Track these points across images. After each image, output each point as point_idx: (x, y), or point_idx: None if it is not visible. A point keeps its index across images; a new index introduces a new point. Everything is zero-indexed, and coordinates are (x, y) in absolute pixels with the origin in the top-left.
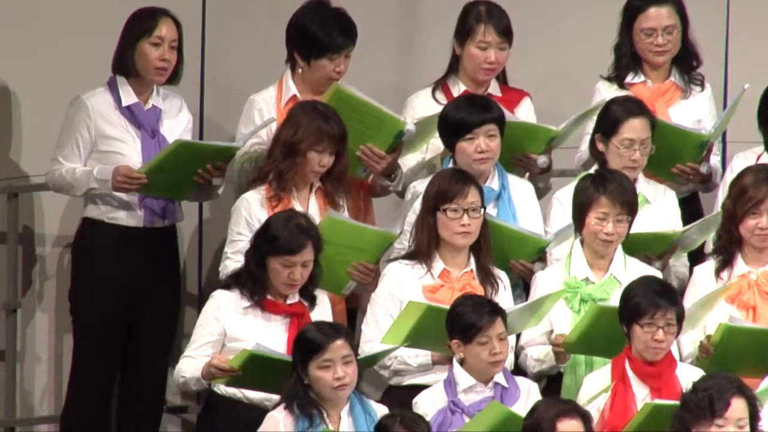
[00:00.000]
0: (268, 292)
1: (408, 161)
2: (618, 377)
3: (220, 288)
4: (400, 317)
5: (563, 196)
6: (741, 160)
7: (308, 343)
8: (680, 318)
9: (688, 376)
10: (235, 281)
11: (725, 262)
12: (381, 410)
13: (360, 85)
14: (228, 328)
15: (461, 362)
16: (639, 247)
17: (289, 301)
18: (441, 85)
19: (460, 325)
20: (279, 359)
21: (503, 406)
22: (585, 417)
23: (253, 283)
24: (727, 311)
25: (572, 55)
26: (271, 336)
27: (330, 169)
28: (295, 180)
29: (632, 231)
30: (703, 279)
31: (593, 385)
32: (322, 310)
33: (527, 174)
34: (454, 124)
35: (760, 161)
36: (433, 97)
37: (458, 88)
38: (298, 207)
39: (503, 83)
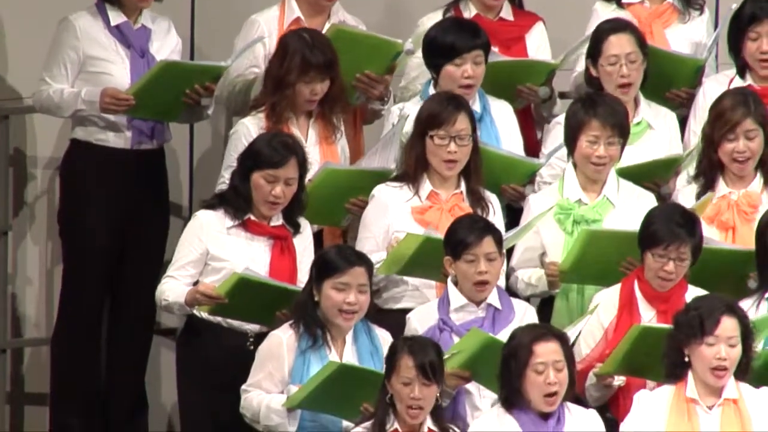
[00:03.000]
0: (251, 211)
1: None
2: (626, 297)
3: (204, 208)
4: (397, 248)
5: (563, 120)
6: (713, 83)
7: (328, 263)
8: (696, 250)
9: None
10: (219, 201)
11: (706, 187)
12: (387, 339)
13: None
14: (211, 248)
15: (455, 283)
16: (647, 175)
17: (273, 224)
18: (453, 8)
19: (450, 241)
20: (268, 284)
21: (483, 333)
22: (562, 338)
23: (237, 199)
24: (706, 232)
25: None
26: (254, 257)
27: (325, 94)
28: (291, 110)
29: (639, 160)
30: (686, 202)
31: (601, 304)
32: (305, 239)
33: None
34: (442, 47)
35: (732, 85)
36: None
37: (470, 12)
38: (297, 134)
39: (517, 7)
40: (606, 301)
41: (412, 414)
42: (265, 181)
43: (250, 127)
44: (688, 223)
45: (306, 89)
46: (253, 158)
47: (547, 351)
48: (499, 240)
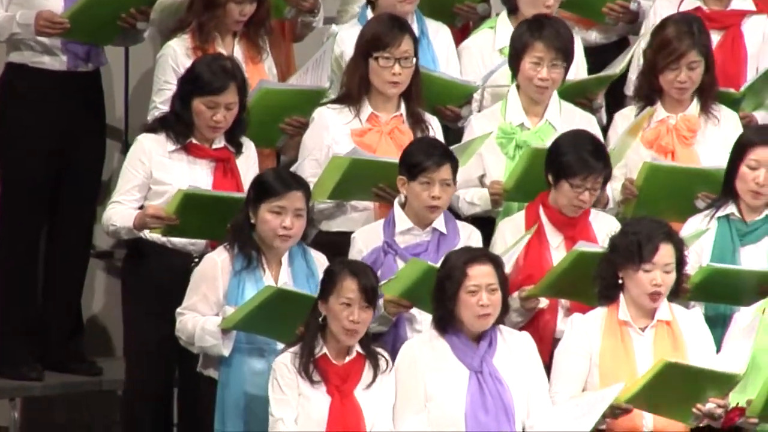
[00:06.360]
0: (193, 135)
1: None
2: (532, 224)
3: (145, 131)
4: (324, 173)
5: (472, 43)
6: (665, 2)
7: (265, 186)
8: (606, 180)
9: (601, 223)
10: (160, 124)
11: (645, 109)
12: (322, 263)
13: None
14: (154, 171)
15: (403, 206)
16: (581, 92)
17: (214, 146)
18: None
19: (408, 162)
20: (214, 196)
21: (422, 262)
22: (495, 262)
23: (178, 124)
24: (646, 156)
25: None
26: (196, 179)
27: (252, 15)
28: (218, 30)
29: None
30: (625, 124)
31: (507, 231)
32: (248, 158)
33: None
34: None
35: (682, 5)
36: None
37: None
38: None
39: None
40: (512, 227)
41: (347, 335)
42: (205, 107)
43: (176, 49)
44: (599, 151)
45: (236, 9)
46: (193, 83)
47: (480, 273)
48: (455, 168)
